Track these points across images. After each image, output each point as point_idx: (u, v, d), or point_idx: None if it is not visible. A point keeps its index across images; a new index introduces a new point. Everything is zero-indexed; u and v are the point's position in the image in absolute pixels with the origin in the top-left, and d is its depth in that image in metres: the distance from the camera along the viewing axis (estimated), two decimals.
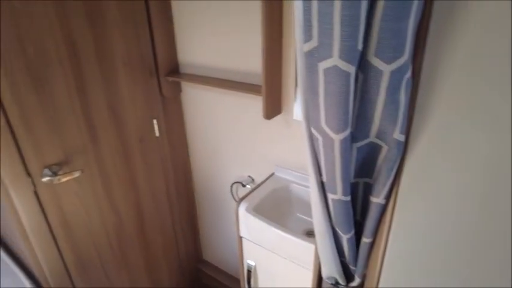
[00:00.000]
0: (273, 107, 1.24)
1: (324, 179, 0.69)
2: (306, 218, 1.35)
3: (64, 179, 1.17)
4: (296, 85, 1.21)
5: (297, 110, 1.25)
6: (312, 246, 1.03)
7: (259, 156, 1.47)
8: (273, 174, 1.43)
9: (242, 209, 1.24)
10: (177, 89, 1.57)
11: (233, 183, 1.59)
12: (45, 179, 1.16)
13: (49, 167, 1.17)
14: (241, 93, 1.37)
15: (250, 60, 1.28)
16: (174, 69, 1.51)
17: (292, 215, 1.37)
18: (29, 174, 1.13)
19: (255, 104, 1.35)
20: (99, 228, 1.40)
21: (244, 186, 1.54)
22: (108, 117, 1.30)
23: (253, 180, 1.55)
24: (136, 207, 1.52)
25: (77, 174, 1.21)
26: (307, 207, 1.30)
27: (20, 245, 1.29)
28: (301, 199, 1.35)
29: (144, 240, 1.62)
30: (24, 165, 1.11)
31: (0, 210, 1.25)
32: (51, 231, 1.24)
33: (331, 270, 0.85)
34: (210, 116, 1.55)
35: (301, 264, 1.14)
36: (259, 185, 1.36)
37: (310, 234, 1.27)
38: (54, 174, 1.17)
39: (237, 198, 1.63)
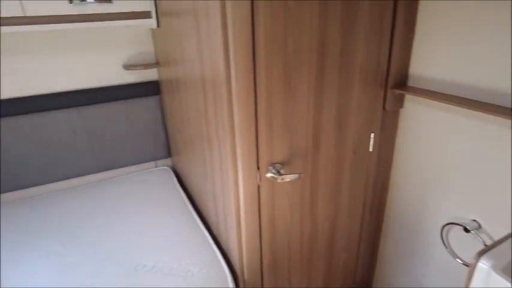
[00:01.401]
0: None
1: None
2: None
3: (286, 179, 1.17)
4: None
5: None
6: None
7: (496, 198, 1.16)
8: None
9: (485, 264, 0.97)
10: (399, 104, 1.40)
11: (446, 224, 1.32)
12: (269, 175, 1.18)
13: (274, 164, 1.19)
14: (488, 117, 1.09)
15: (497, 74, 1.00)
16: (402, 82, 1.35)
17: None
18: (258, 167, 1.16)
19: (505, 131, 1.06)
20: (297, 233, 1.37)
21: (467, 231, 1.25)
22: (333, 124, 1.24)
23: (479, 226, 1.25)
24: (332, 219, 1.44)
25: (295, 176, 1.19)
26: None
27: (228, 231, 1.38)
28: None
29: (329, 253, 1.53)
30: (257, 158, 1.15)
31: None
32: (260, 227, 1.27)
33: None
34: (432, 137, 1.32)
35: None
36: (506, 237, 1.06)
37: None
38: (278, 172, 1.17)
39: (446, 244, 1.35)
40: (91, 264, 1.45)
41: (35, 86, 1.91)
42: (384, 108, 1.36)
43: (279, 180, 1.15)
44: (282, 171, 1.19)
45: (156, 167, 2.39)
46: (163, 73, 2.01)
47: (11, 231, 1.70)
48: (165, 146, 2.34)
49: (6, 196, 2.01)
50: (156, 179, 2.17)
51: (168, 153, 2.38)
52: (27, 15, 1.51)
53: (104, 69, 2.04)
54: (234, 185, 1.19)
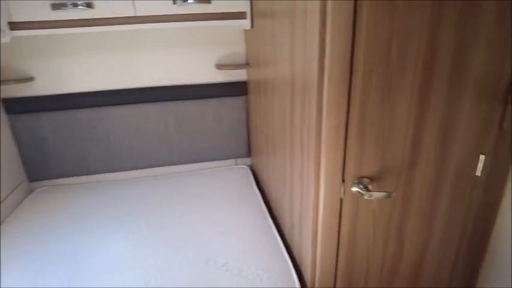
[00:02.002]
0: None
1: None
2: None
3: (373, 197, 1.06)
4: None
5: None
6: None
7: None
8: None
9: None
10: None
11: None
12: (354, 190, 1.08)
13: (361, 178, 1.09)
14: None
15: None
16: None
17: None
18: (343, 180, 1.08)
19: None
20: (378, 258, 1.24)
21: None
22: (435, 140, 1.09)
23: None
24: (421, 248, 1.27)
25: (385, 195, 1.07)
26: None
27: (302, 241, 1.31)
28: None
29: (413, 283, 1.35)
30: (343, 169, 1.06)
31: None
32: (338, 244, 1.18)
33: None
34: None
35: None
36: None
37: None
38: (365, 188, 1.07)
39: None
40: (165, 251, 1.52)
41: (136, 79, 2.10)
42: (500, 127, 1.14)
43: (365, 197, 1.05)
44: (370, 187, 1.08)
45: (236, 164, 2.44)
46: (252, 74, 2.04)
47: (100, 210, 1.89)
48: (246, 146, 2.37)
49: (101, 176, 2.26)
50: (235, 177, 2.22)
51: (249, 153, 2.40)
52: (138, 15, 1.66)
53: (198, 68, 2.15)
54: (315, 195, 1.13)
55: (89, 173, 2.21)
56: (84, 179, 2.24)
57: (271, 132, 1.70)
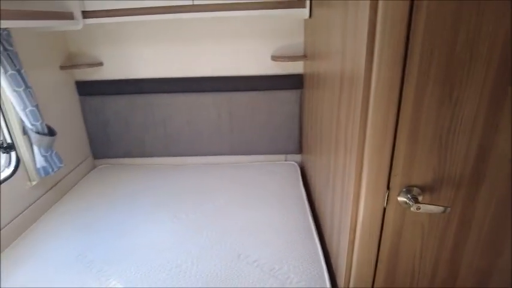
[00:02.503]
0: None
1: None
2: None
3: (422, 210, 0.91)
4: None
5: None
6: None
7: None
8: None
9: None
10: None
11: None
12: (401, 199, 0.94)
13: (410, 187, 0.94)
14: None
15: None
16: None
17: None
18: (388, 187, 0.95)
19: None
20: (425, 277, 1.08)
21: None
22: (510, 150, 0.89)
23: None
24: (481, 276, 1.07)
25: (438, 209, 0.91)
26: None
27: (339, 249, 1.20)
28: None
29: None
30: (388, 175, 0.93)
31: None
32: (377, 258, 1.05)
33: None
34: None
35: None
36: None
37: None
38: (414, 199, 0.92)
39: None
40: (202, 239, 1.52)
41: (193, 69, 2.14)
42: None
43: (413, 209, 0.91)
44: (419, 198, 0.94)
45: (286, 160, 2.37)
46: (308, 67, 1.94)
47: (151, 191, 1.98)
48: (297, 142, 2.28)
49: (156, 160, 2.37)
50: (283, 173, 2.15)
51: (299, 149, 2.31)
52: (195, 3, 1.68)
53: (253, 59, 2.11)
54: (354, 201, 1.01)
55: (146, 155, 2.33)
56: (141, 160, 2.37)
57: (320, 130, 1.60)
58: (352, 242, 1.08)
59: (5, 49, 1.44)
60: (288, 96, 2.17)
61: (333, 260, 1.37)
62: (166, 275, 1.32)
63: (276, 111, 2.21)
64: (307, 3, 1.67)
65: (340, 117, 1.17)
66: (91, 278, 1.32)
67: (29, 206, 1.71)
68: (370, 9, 0.80)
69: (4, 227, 1.55)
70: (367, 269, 1.07)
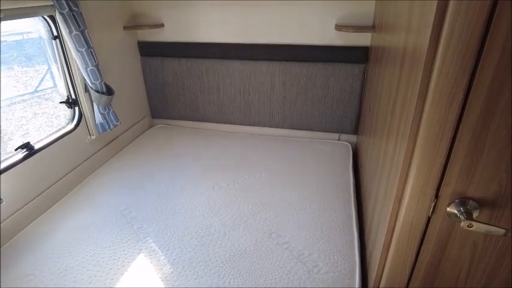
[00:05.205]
0: None
1: None
2: None
3: (475, 228, 0.76)
4: None
5: None
6: None
7: None
8: None
9: None
10: None
11: None
12: (451, 210, 0.80)
13: (465, 199, 0.79)
14: None
15: None
16: None
17: None
18: (437, 195, 0.81)
19: None
20: None
21: None
22: None
23: None
24: None
25: (497, 231, 0.76)
26: None
27: (374, 250, 1.10)
28: None
29: None
30: (439, 181, 0.79)
31: None
32: (414, 264, 0.93)
33: None
34: None
35: None
36: None
37: None
38: (467, 214, 0.77)
39: None
40: (238, 211, 1.53)
41: (251, 35, 2.05)
42: None
43: (462, 224, 0.77)
44: (475, 214, 0.79)
45: (339, 140, 2.23)
46: (376, 40, 1.72)
47: (201, 156, 2.02)
48: (354, 121, 2.11)
49: (209, 125, 2.40)
50: (334, 154, 2.03)
51: (355, 130, 2.15)
52: None
53: (315, 27, 1.94)
54: (396, 203, 0.89)
55: (198, 119, 2.37)
56: (193, 124, 2.43)
57: (376, 112, 1.43)
58: (387, 246, 0.97)
59: (71, 10, 1.51)
60: (349, 71, 1.98)
61: (368, 255, 1.28)
62: (197, 241, 1.36)
63: (334, 86, 2.04)
64: None
65: (397, 102, 1.01)
66: (131, 233, 1.41)
67: (88, 158, 1.87)
68: None
69: (67, 175, 1.73)
70: (400, 278, 0.97)
